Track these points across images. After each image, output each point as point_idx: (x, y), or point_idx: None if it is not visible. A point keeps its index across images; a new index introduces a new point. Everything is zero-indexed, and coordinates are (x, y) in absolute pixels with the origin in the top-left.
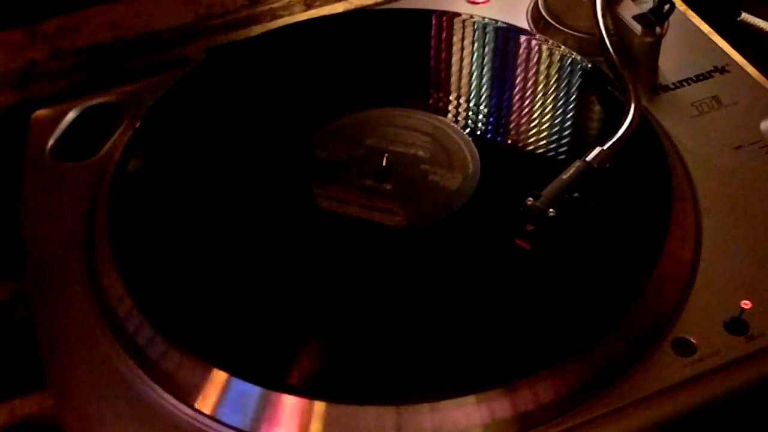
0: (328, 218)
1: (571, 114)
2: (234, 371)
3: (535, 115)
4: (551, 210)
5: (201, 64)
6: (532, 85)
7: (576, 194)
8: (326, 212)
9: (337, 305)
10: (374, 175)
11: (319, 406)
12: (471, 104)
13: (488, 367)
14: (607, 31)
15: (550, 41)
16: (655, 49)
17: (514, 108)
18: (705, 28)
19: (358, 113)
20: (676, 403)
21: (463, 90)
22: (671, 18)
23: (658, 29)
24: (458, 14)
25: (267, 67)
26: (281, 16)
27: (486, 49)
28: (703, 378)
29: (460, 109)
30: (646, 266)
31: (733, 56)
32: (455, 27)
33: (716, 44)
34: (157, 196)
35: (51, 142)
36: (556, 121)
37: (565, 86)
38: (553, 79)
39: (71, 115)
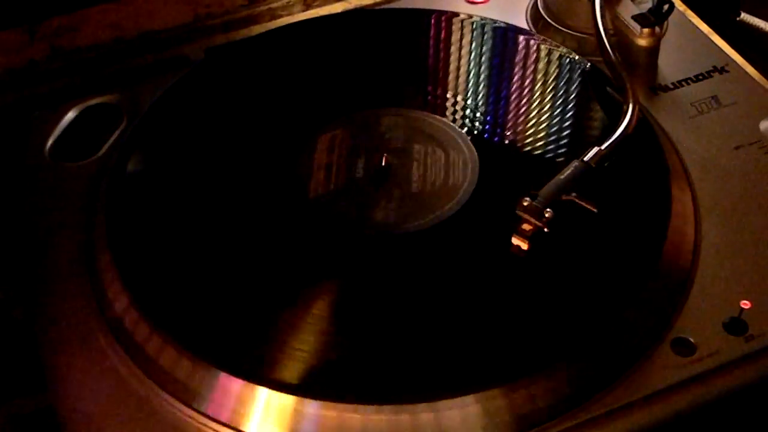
0: (306, 167)
1: (569, 114)
2: (231, 370)
3: (534, 115)
4: (548, 210)
5: (200, 64)
6: (530, 84)
7: (574, 194)
8: (306, 159)
9: (335, 303)
10: (367, 164)
11: (317, 406)
12: (468, 102)
13: (487, 367)
14: (605, 31)
15: (549, 41)
16: (654, 49)
17: (514, 108)
18: (704, 28)
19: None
20: (676, 403)
21: (461, 89)
22: (671, 18)
23: (657, 29)
24: (457, 14)
25: (266, 68)
26: (280, 16)
27: (485, 49)
28: (702, 378)
29: (457, 107)
30: (645, 266)
31: (732, 56)
32: (454, 27)
33: (716, 44)
34: (157, 196)
35: (50, 142)
36: (555, 122)
37: (563, 86)
38: (552, 79)
39: (71, 115)
